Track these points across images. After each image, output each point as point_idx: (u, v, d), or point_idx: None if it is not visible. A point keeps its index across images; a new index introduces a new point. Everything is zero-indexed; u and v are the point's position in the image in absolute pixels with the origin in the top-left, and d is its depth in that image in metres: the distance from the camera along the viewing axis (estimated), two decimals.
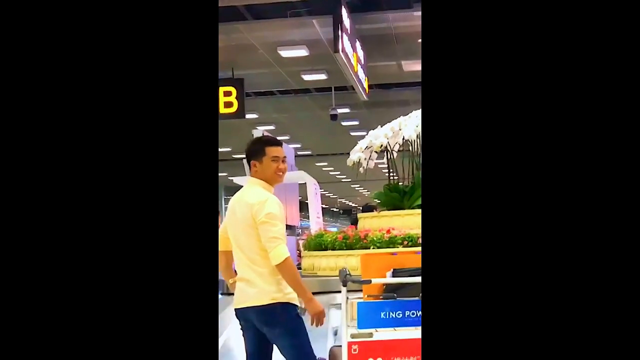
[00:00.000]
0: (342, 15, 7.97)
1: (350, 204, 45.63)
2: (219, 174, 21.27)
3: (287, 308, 3.25)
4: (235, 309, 3.38)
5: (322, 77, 12.50)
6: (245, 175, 8.20)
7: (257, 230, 3.25)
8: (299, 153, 18.89)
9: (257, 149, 3.43)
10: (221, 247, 3.50)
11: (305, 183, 8.21)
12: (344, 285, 3.06)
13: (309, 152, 22.35)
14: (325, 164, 25.71)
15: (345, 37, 8.10)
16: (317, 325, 3.26)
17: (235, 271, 3.48)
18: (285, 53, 10.96)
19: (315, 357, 3.24)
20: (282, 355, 3.33)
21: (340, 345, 3.12)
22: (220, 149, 18.78)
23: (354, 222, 9.39)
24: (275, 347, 3.39)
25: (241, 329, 3.43)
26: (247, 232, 3.29)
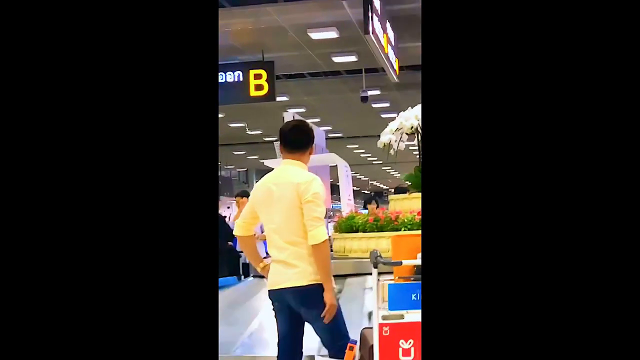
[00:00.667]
0: None
1: (382, 186, 45.58)
2: (250, 157, 21.33)
3: (321, 289, 3.28)
4: (270, 291, 3.40)
5: (353, 59, 12.44)
6: (276, 157, 8.23)
7: (301, 211, 3.28)
8: (329, 135, 18.89)
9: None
10: (245, 232, 3.53)
11: (336, 165, 8.20)
12: (375, 267, 3.05)
13: (339, 135, 22.33)
14: (356, 146, 25.67)
15: (375, 19, 8.06)
16: (327, 319, 3.28)
17: (266, 254, 3.51)
18: (315, 35, 10.92)
19: (349, 338, 3.26)
20: (316, 336, 3.35)
21: (371, 327, 3.12)
22: (250, 132, 18.87)
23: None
24: (307, 330, 3.41)
25: (274, 310, 3.44)
26: (289, 212, 3.31)
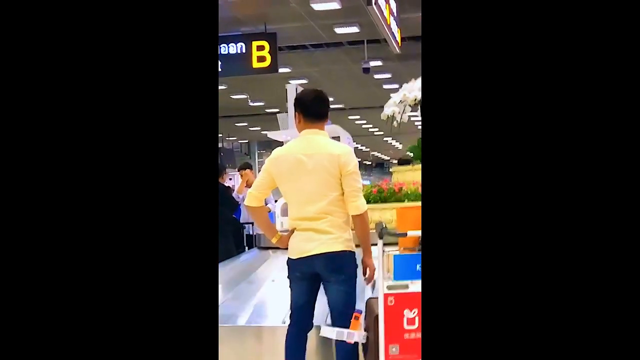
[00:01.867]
0: None
1: (384, 157, 45.56)
2: (252, 129, 21.25)
3: (353, 256, 3.40)
4: (295, 259, 3.43)
5: (355, 30, 12.42)
6: (278, 129, 8.24)
7: (339, 181, 3.34)
8: (331, 107, 18.82)
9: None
10: (258, 202, 3.55)
11: (339, 137, 8.20)
12: (381, 238, 3.09)
13: (341, 106, 22.27)
14: (358, 117, 25.63)
15: None
16: (369, 282, 3.47)
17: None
18: (317, 6, 10.89)
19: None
20: (330, 301, 3.39)
21: (377, 297, 3.17)
22: (253, 104, 18.78)
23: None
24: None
25: (292, 279, 3.48)
26: (327, 182, 3.36)
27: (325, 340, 3.56)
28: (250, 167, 9.10)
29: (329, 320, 3.49)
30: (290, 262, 3.46)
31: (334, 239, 3.35)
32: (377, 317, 3.15)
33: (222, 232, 7.75)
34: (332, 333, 3.28)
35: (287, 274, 3.50)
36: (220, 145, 28.25)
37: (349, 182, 3.36)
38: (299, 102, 3.54)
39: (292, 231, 3.48)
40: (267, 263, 5.32)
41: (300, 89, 7.08)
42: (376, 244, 3.14)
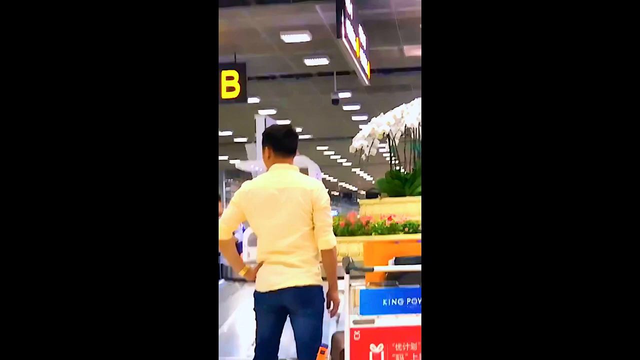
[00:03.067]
0: (345, 1, 7.97)
1: (352, 187, 45.66)
2: (221, 158, 21.13)
3: (321, 291, 3.40)
4: (263, 292, 3.41)
5: (324, 61, 12.49)
6: (246, 159, 8.26)
7: (311, 215, 3.37)
8: (300, 137, 18.87)
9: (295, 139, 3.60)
10: (227, 235, 3.53)
11: (307, 168, 8.25)
12: (347, 273, 3.10)
13: (310, 136, 22.34)
14: (326, 148, 25.71)
15: (347, 23, 8.10)
16: (333, 315, 3.47)
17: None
18: (287, 38, 10.95)
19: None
20: (297, 335, 3.38)
21: (343, 331, 3.16)
22: (221, 133, 18.70)
23: None
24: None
25: (258, 312, 3.46)
26: (299, 216, 3.37)
27: None
28: (218, 197, 9.08)
29: (293, 353, 3.47)
30: (258, 295, 3.44)
31: (304, 273, 3.34)
32: (342, 351, 3.14)
33: None
34: None
35: (253, 307, 3.49)
36: None
37: (320, 217, 3.38)
38: (270, 137, 3.55)
39: (260, 264, 3.47)
40: (233, 295, 5.30)
41: (269, 120, 7.11)
42: (342, 277, 3.15)
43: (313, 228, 3.39)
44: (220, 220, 3.57)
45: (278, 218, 3.38)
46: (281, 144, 3.51)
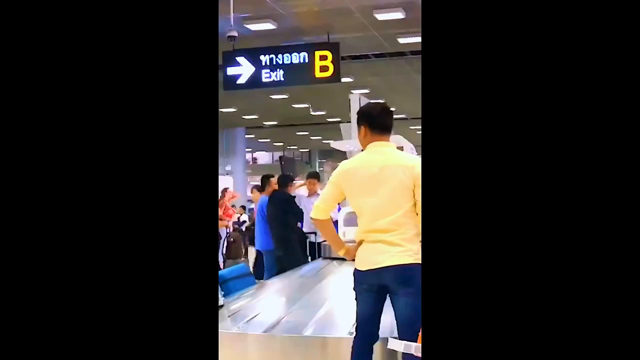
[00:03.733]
0: None
1: None
2: (313, 138, 21.38)
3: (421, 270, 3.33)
4: (364, 271, 3.41)
5: (418, 40, 12.34)
6: (341, 139, 8.24)
7: (412, 192, 3.33)
8: (394, 117, 18.80)
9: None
10: (325, 215, 3.55)
11: (403, 147, 8.18)
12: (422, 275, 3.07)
13: (404, 116, 22.22)
14: (420, 127, 25.52)
15: None
16: None
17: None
18: (381, 16, 10.88)
19: None
20: (397, 315, 3.37)
21: None
22: (314, 113, 18.87)
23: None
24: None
25: (358, 291, 3.46)
26: (402, 193, 3.35)
27: (392, 353, 3.52)
28: (317, 176, 9.11)
29: (395, 333, 3.46)
30: (358, 274, 3.44)
31: (404, 252, 3.32)
32: None
33: (289, 240, 7.79)
34: (400, 346, 3.25)
35: (353, 286, 3.49)
36: (281, 154, 28.43)
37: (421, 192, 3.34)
38: (365, 116, 3.54)
39: (360, 243, 3.46)
40: (332, 274, 5.32)
41: (363, 99, 7.08)
42: None
43: (414, 205, 3.35)
44: (318, 200, 3.59)
45: (380, 196, 3.36)
46: (377, 121, 3.50)
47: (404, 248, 3.32)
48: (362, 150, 3.60)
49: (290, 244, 7.75)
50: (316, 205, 3.56)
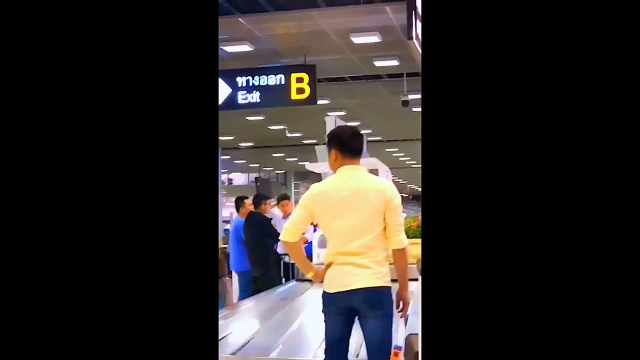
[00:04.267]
0: (415, 2, 7.91)
1: (420, 189, 45.34)
2: (289, 159, 21.31)
3: (391, 292, 3.39)
4: (332, 293, 3.40)
5: (394, 63, 12.43)
6: (316, 161, 8.26)
7: (383, 216, 3.36)
8: (369, 139, 18.89)
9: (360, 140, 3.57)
10: (295, 237, 3.56)
11: (377, 169, 8.20)
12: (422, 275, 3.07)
13: (379, 138, 22.30)
14: (396, 149, 25.63)
15: (418, 24, 8.04)
16: (402, 316, 3.47)
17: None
18: (357, 40, 10.93)
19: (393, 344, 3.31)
20: (367, 337, 3.37)
21: (417, 333, 3.14)
22: (290, 134, 18.82)
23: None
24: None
25: (327, 313, 3.45)
26: (372, 217, 3.36)
27: None
28: (287, 197, 9.12)
29: (363, 356, 3.46)
30: (327, 296, 3.43)
31: (375, 274, 3.33)
32: (417, 353, 3.11)
33: (266, 263, 7.78)
34: None
35: (321, 308, 3.49)
36: (257, 175, 28.39)
37: (393, 216, 3.38)
38: (336, 139, 3.54)
39: (328, 265, 3.47)
40: (304, 295, 5.32)
41: (339, 122, 7.11)
42: (415, 279, 3.12)
43: (384, 229, 3.37)
44: (288, 222, 3.58)
45: (351, 219, 3.37)
46: (348, 145, 3.50)
47: (375, 270, 3.33)
48: (333, 173, 3.61)
49: (268, 266, 7.75)
50: (286, 228, 3.55)
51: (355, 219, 3.36)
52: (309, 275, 3.61)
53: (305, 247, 8.00)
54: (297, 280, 6.18)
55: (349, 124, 8.50)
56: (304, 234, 7.44)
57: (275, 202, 9.67)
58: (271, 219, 8.49)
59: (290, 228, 3.53)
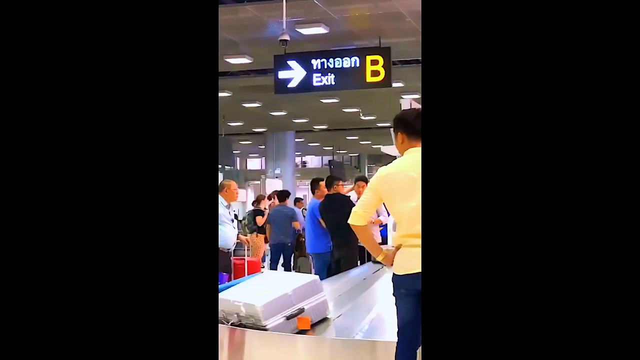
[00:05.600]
0: None
1: None
2: (363, 142, 21.30)
3: None
4: (401, 276, 3.40)
5: None
6: (391, 144, 8.23)
7: None
8: None
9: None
10: (365, 221, 3.57)
11: None
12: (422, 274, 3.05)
13: None
14: None
15: None
16: None
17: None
18: None
19: None
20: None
21: None
22: (364, 117, 18.79)
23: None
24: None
25: (398, 296, 3.46)
26: None
27: None
28: (365, 179, 9.12)
29: None
30: (396, 279, 3.44)
31: None
32: None
33: (352, 242, 7.75)
34: None
35: (392, 291, 3.49)
36: (330, 158, 28.48)
37: None
38: (402, 122, 3.54)
39: (398, 247, 3.47)
40: (382, 278, 5.33)
41: (414, 104, 7.07)
42: None
43: None
44: (357, 206, 3.58)
45: (417, 201, 3.34)
46: (413, 127, 3.48)
47: None
48: (401, 156, 3.60)
49: (351, 246, 7.69)
50: (354, 212, 3.55)
51: (415, 200, 3.33)
52: (379, 258, 3.61)
53: (381, 230, 8.00)
54: (373, 262, 6.19)
55: (408, 108, 8.47)
56: (379, 216, 7.45)
57: (351, 186, 9.68)
58: (348, 197, 8.49)
59: (359, 212, 3.53)
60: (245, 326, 4.27)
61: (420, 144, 3.45)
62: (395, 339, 3.50)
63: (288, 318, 4.27)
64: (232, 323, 4.31)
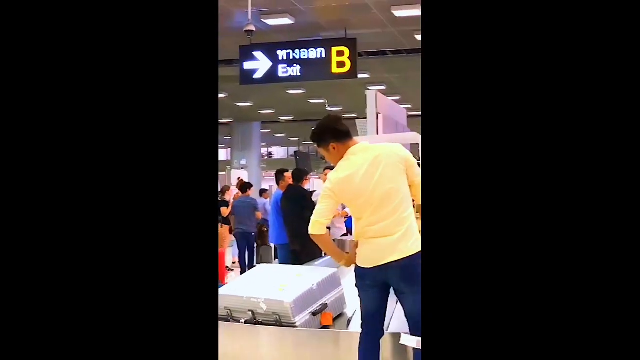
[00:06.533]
0: None
1: None
2: None
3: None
4: (366, 268, 3.42)
5: None
6: (357, 135, 8.26)
7: (405, 175, 3.37)
8: (409, 114, 18.77)
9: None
10: (324, 230, 3.56)
11: (419, 144, 8.17)
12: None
13: (419, 113, 22.16)
14: None
15: None
16: None
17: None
18: (399, 13, 10.87)
19: None
20: (407, 311, 3.39)
21: None
22: (330, 108, 18.76)
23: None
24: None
25: (359, 288, 3.48)
26: (397, 181, 3.37)
27: (402, 348, 3.54)
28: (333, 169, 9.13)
29: (405, 329, 3.47)
30: (361, 271, 3.46)
31: (413, 244, 3.34)
32: None
33: (306, 235, 7.74)
34: (413, 342, 3.25)
35: (355, 283, 3.51)
36: (296, 148, 28.46)
37: (415, 172, 3.41)
38: (328, 132, 3.55)
39: (356, 245, 3.48)
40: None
41: (380, 96, 7.08)
42: None
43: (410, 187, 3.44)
44: (315, 215, 3.54)
45: (372, 192, 3.40)
46: (340, 131, 3.53)
47: (412, 240, 3.33)
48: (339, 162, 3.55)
49: (306, 239, 7.71)
50: (314, 221, 3.51)
51: (376, 191, 3.36)
52: (341, 264, 3.65)
53: (346, 222, 8.02)
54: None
55: (389, 98, 8.48)
56: (344, 208, 7.46)
57: (318, 177, 9.70)
58: (313, 191, 8.48)
59: (320, 220, 3.51)
60: (262, 324, 4.14)
61: (352, 143, 3.49)
62: (358, 330, 3.52)
63: (314, 314, 4.15)
64: (246, 321, 4.17)
